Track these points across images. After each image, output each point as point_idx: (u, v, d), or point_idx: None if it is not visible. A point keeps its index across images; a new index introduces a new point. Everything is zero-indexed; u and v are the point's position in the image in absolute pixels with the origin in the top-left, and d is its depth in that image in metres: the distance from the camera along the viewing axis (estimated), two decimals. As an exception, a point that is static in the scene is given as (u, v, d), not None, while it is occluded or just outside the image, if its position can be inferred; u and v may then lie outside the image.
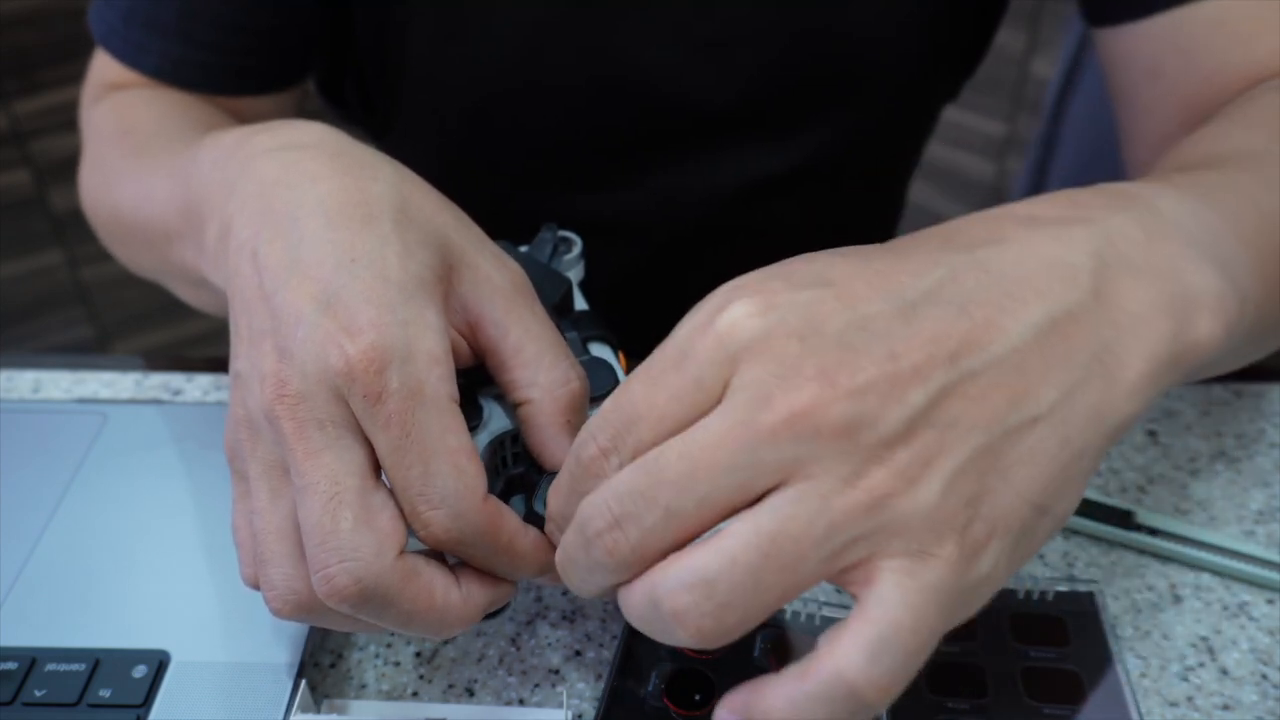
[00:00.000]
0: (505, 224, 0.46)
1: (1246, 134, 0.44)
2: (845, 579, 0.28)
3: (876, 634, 0.26)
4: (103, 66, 0.60)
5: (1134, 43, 0.55)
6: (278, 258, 0.34)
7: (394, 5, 0.59)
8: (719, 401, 0.28)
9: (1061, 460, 0.29)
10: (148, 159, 0.51)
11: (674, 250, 0.67)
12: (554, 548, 0.34)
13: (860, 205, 0.70)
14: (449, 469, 0.32)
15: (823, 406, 0.26)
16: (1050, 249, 0.30)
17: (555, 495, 0.32)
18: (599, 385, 0.38)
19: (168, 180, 0.47)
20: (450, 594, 0.33)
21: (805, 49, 0.59)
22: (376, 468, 0.33)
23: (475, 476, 0.32)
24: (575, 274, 0.44)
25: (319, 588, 0.31)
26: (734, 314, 0.28)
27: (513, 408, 0.36)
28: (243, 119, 0.57)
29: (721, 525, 0.27)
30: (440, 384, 0.32)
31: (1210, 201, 0.35)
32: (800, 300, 0.28)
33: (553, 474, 0.35)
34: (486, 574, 0.34)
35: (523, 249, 0.43)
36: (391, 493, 0.32)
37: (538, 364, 0.35)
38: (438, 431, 0.32)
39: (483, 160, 0.64)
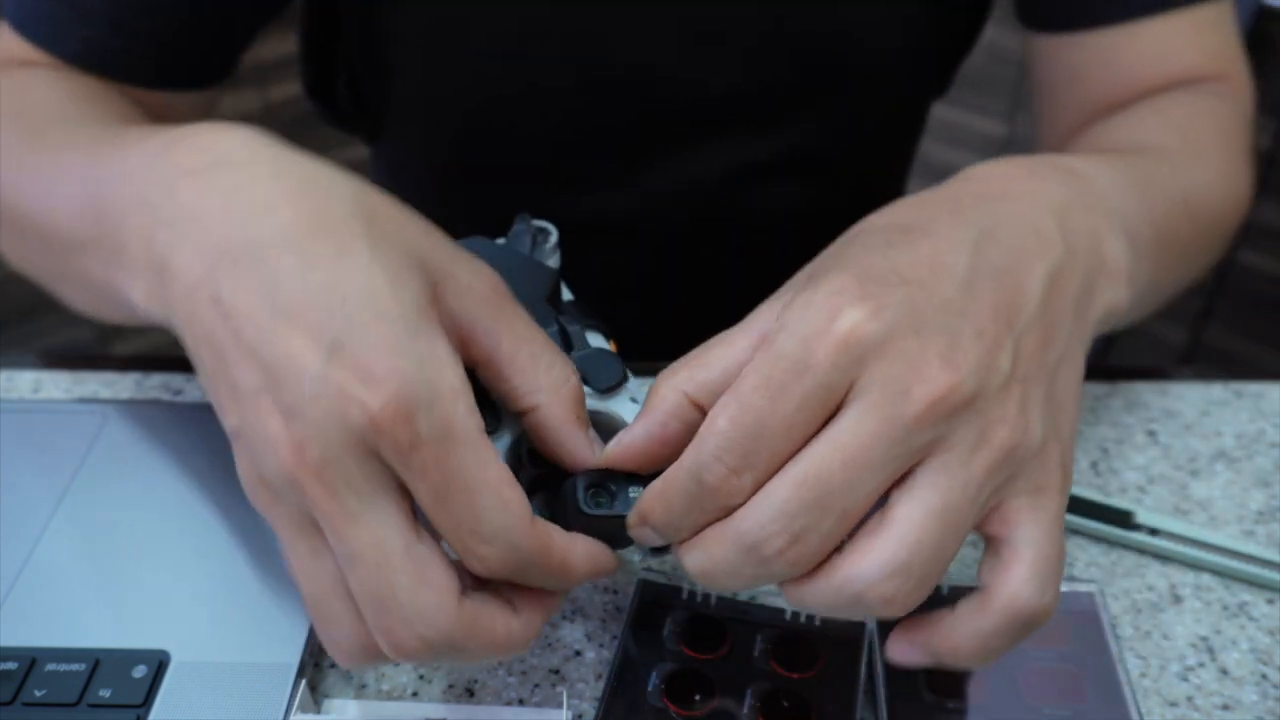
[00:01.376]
0: (499, 225, 0.46)
1: (1159, 131, 0.52)
2: (983, 525, 0.32)
3: (1037, 568, 0.32)
4: (6, 44, 0.55)
5: (1060, 47, 0.59)
6: (251, 303, 0.31)
7: (381, 8, 0.59)
8: (841, 403, 0.30)
9: (1078, 386, 0.35)
10: (47, 151, 0.47)
11: (669, 244, 0.67)
12: (602, 552, 0.34)
13: (853, 198, 0.70)
14: (494, 503, 0.31)
15: (954, 389, 0.30)
16: (1030, 217, 0.35)
17: (666, 510, 0.32)
18: (608, 377, 0.37)
19: (72, 182, 0.42)
20: (511, 624, 0.33)
21: (794, 42, 0.59)
22: (414, 512, 0.32)
23: (520, 504, 0.32)
24: (553, 264, 0.44)
25: (387, 650, 0.32)
26: (853, 319, 0.30)
27: (517, 415, 0.35)
28: (153, 111, 0.55)
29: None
30: (468, 418, 0.31)
31: (1130, 183, 0.42)
32: (899, 298, 0.31)
33: (587, 473, 0.35)
34: (536, 591, 0.34)
35: (499, 242, 0.43)
36: (433, 533, 0.32)
37: (535, 368, 0.34)
38: (476, 467, 0.31)
39: (477, 161, 0.64)
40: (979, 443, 0.31)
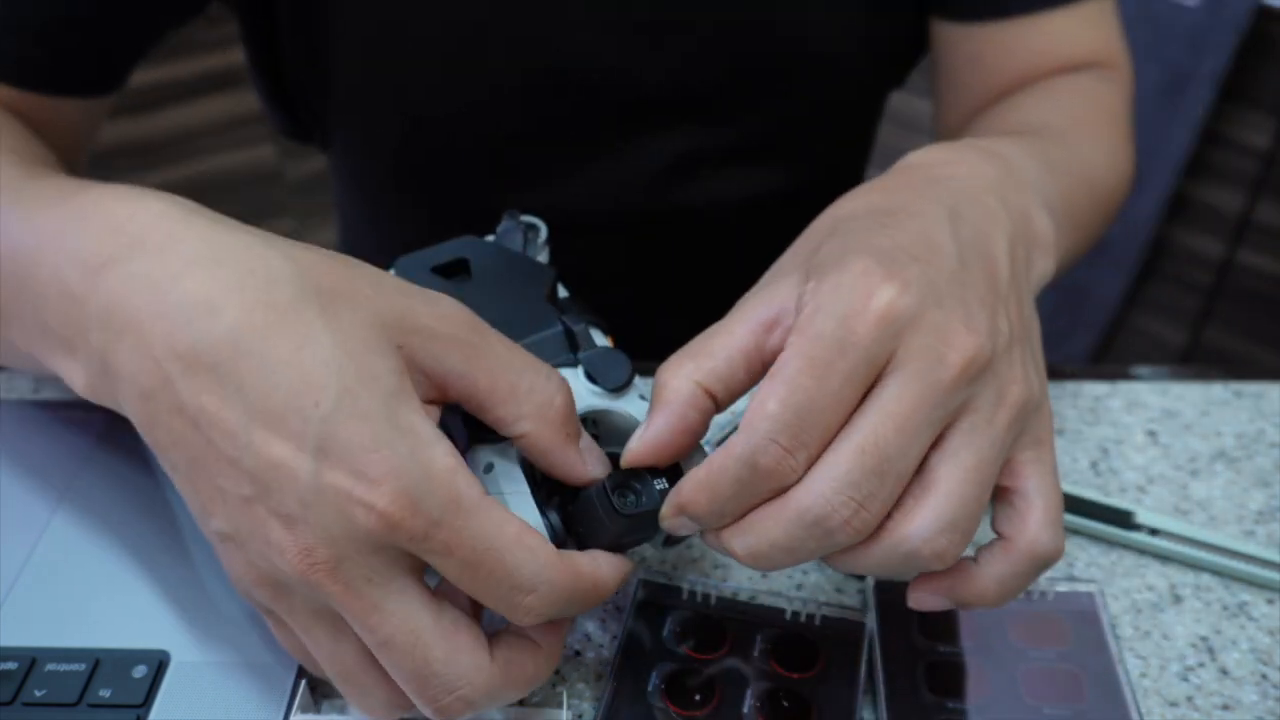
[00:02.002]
0: (452, 225, 0.46)
1: (1053, 113, 0.56)
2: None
3: (1051, 515, 0.34)
4: None
5: (964, 36, 0.62)
6: (220, 413, 0.30)
7: (318, 15, 0.58)
8: (881, 373, 0.32)
9: (1041, 345, 0.38)
10: None
11: (622, 235, 0.67)
12: (621, 560, 0.35)
13: (809, 185, 0.70)
14: (524, 555, 0.31)
15: (979, 351, 0.33)
16: (978, 195, 0.38)
17: (712, 498, 0.32)
18: (617, 376, 0.37)
19: None
20: (538, 659, 0.34)
21: (737, 39, 0.60)
22: (424, 580, 0.32)
23: (546, 548, 0.32)
24: (543, 260, 0.44)
25: (434, 717, 0.32)
26: (888, 295, 0.32)
27: (509, 441, 0.35)
28: (39, 120, 0.52)
29: None
30: (470, 488, 0.31)
31: (1038, 162, 0.45)
32: (917, 274, 0.33)
33: (608, 476, 0.35)
34: (551, 622, 0.35)
35: (488, 239, 0.43)
36: (448, 596, 0.33)
37: (515, 396, 0.34)
38: (495, 530, 0.31)
39: (426, 163, 0.63)
40: (999, 402, 0.33)
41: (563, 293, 0.42)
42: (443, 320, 0.33)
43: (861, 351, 0.31)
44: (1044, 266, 0.40)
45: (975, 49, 0.63)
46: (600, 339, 0.40)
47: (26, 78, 0.51)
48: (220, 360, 0.30)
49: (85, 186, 0.37)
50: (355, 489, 0.30)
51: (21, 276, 0.37)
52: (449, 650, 0.31)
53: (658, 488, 0.35)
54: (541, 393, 0.34)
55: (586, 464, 0.35)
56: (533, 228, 0.44)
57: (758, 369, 0.35)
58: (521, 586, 0.31)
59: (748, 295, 0.36)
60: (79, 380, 0.35)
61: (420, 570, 0.32)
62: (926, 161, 0.41)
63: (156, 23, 0.56)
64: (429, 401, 0.33)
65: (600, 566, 0.34)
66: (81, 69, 0.54)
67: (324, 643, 0.33)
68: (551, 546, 0.32)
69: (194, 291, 0.31)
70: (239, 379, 0.30)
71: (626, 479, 0.35)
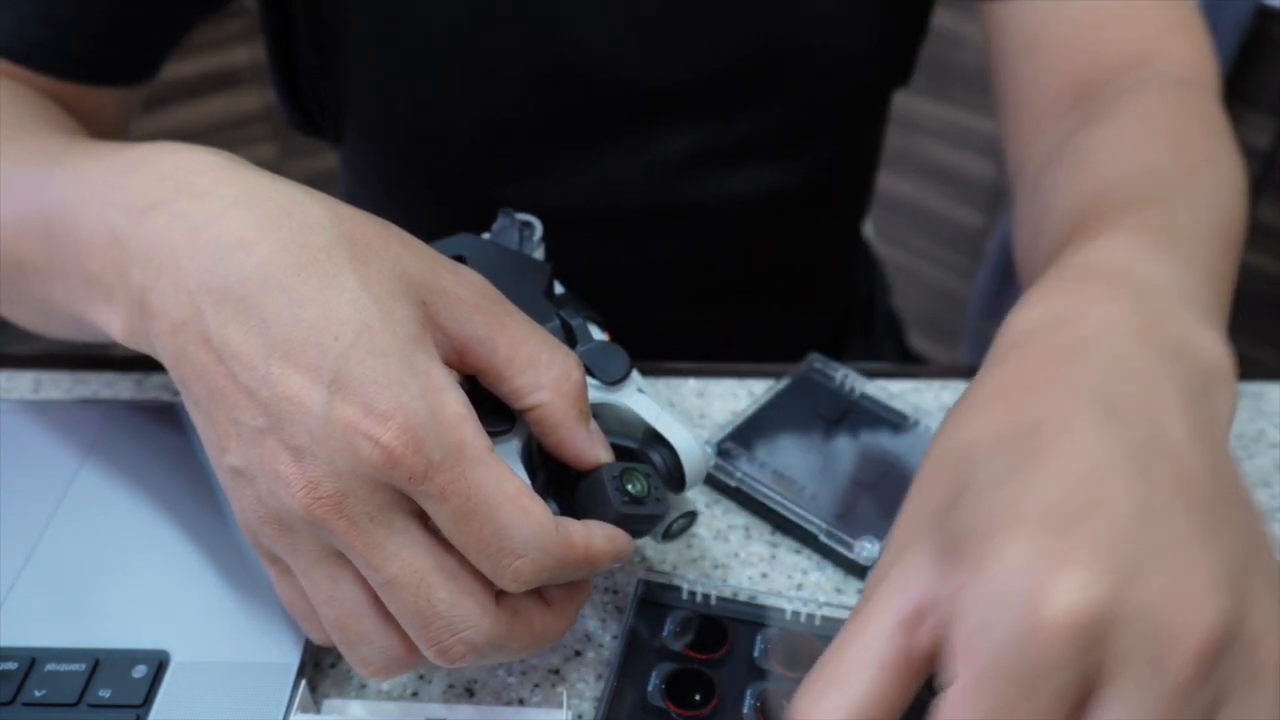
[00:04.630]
0: (461, 219, 0.46)
1: (1149, 149, 0.46)
2: None
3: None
4: None
5: (1016, 13, 0.57)
6: (243, 344, 0.31)
7: (327, 8, 0.59)
8: (1094, 685, 0.24)
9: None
10: None
11: (631, 230, 0.67)
12: (619, 535, 0.35)
13: (819, 182, 0.70)
14: (519, 516, 0.31)
15: (1212, 626, 0.24)
16: (1129, 360, 0.29)
17: None
18: (615, 370, 0.37)
19: (17, 200, 0.41)
20: (546, 616, 0.34)
21: (750, 32, 0.59)
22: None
23: (543, 512, 0.32)
24: (539, 257, 0.44)
25: (436, 659, 0.32)
26: (1067, 595, 0.24)
27: (521, 414, 0.35)
28: (77, 108, 0.54)
29: None
30: (477, 438, 0.31)
31: (1175, 248, 0.36)
32: (1093, 544, 0.25)
33: (611, 466, 0.35)
34: (567, 585, 0.35)
35: (485, 237, 0.43)
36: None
37: (534, 366, 0.34)
38: (493, 484, 0.31)
39: (434, 157, 0.64)
40: (1252, 677, 0.25)
41: (559, 289, 0.42)
42: (467, 286, 0.34)
43: (1054, 681, 0.24)
44: (1226, 400, 0.31)
45: (1030, 31, 0.57)
46: (597, 334, 0.40)
47: (65, 68, 0.52)
48: (249, 293, 0.32)
49: (131, 144, 0.38)
50: (363, 422, 0.30)
51: (67, 228, 0.38)
52: (454, 591, 0.32)
53: (654, 491, 0.35)
54: (561, 365, 0.35)
55: (595, 444, 0.35)
56: (528, 225, 0.44)
57: (910, 677, 0.29)
58: (513, 548, 0.31)
59: (874, 579, 0.29)
60: (118, 327, 0.36)
61: (422, 518, 0.32)
62: (1039, 327, 0.31)
63: (191, 12, 0.58)
64: (447, 364, 0.33)
65: (595, 538, 0.34)
66: (118, 59, 0.55)
67: (323, 585, 0.33)
68: (548, 512, 0.32)
69: (231, 229, 0.33)
70: (264, 312, 0.31)
71: (633, 471, 0.35)
